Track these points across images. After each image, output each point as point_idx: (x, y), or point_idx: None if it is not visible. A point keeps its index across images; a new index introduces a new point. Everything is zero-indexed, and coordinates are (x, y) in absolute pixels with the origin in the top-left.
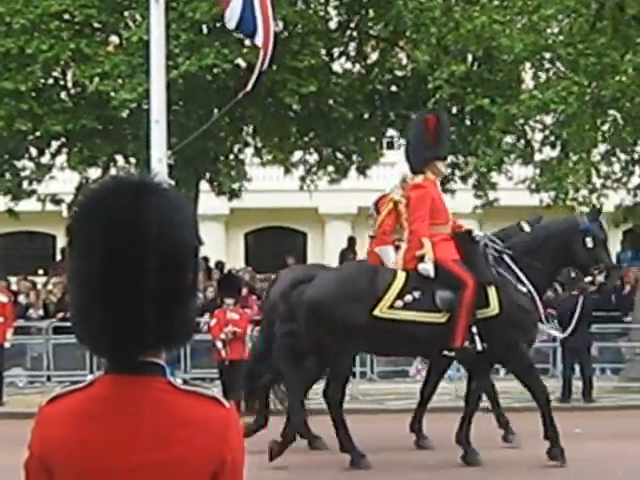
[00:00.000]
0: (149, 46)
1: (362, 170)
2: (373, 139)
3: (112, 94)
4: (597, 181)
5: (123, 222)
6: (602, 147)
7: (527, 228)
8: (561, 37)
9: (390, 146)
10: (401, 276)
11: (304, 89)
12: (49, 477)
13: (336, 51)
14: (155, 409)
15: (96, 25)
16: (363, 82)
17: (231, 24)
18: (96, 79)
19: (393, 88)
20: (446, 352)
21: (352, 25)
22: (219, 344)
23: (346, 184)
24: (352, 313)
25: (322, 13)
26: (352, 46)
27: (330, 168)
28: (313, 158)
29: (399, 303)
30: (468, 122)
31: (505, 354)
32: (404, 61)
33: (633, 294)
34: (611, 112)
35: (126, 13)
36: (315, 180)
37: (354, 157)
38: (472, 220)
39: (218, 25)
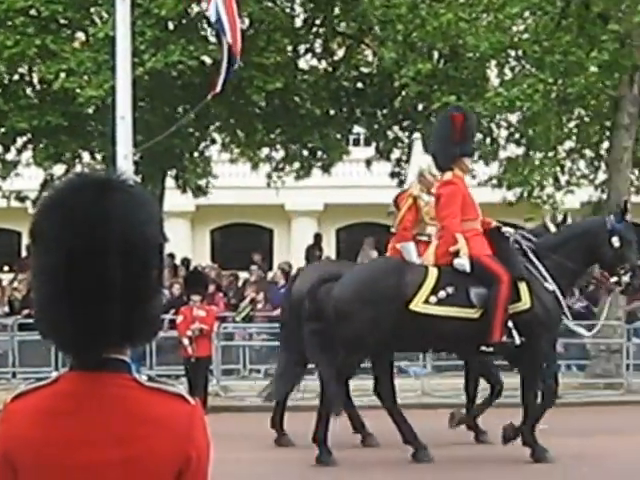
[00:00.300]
0: (115, 43)
1: (327, 167)
2: (339, 136)
3: (78, 91)
4: (562, 178)
5: (88, 219)
6: (567, 144)
7: (553, 227)
8: (527, 35)
9: (356, 143)
10: (433, 272)
11: (270, 86)
12: (14, 475)
13: (302, 48)
14: (119, 406)
15: (62, 21)
16: (329, 79)
17: (212, 16)
18: (62, 75)
19: (359, 85)
20: (484, 347)
21: (318, 22)
22: (185, 341)
23: (312, 181)
24: (380, 310)
25: (288, 10)
26: (318, 43)
27: (296, 165)
28: (279, 155)
29: (433, 299)
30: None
31: (527, 349)
32: (370, 58)
33: (597, 291)
34: (577, 110)
35: (92, 10)
36: (282, 177)
37: (320, 154)
38: None
39: (184, 22)
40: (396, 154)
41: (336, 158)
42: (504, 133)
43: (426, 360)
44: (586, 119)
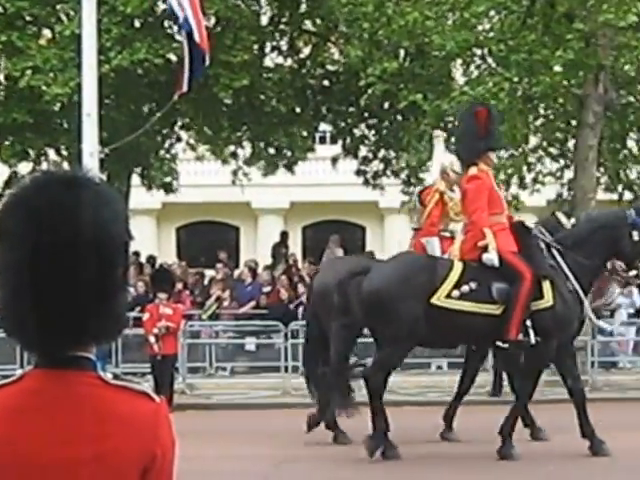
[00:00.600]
0: (81, 40)
1: (293, 165)
2: (305, 134)
3: (44, 88)
4: (528, 177)
5: (53, 216)
6: (533, 142)
7: (564, 219)
8: (492, 33)
9: (322, 141)
10: (458, 266)
11: (236, 83)
12: None
13: (268, 46)
14: (85, 404)
15: (28, 18)
16: (295, 77)
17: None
18: (28, 73)
19: (325, 83)
20: (500, 344)
21: (284, 20)
22: (152, 339)
23: (279, 179)
24: (411, 305)
25: (254, 8)
26: (284, 41)
27: (262, 162)
28: (245, 152)
29: (456, 293)
30: (400, 117)
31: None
32: (336, 56)
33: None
34: (542, 108)
35: (58, 7)
36: (247, 175)
37: (286, 151)
38: (403, 215)
39: (150, 20)
40: (362, 152)
41: (302, 156)
42: None
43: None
44: (551, 117)
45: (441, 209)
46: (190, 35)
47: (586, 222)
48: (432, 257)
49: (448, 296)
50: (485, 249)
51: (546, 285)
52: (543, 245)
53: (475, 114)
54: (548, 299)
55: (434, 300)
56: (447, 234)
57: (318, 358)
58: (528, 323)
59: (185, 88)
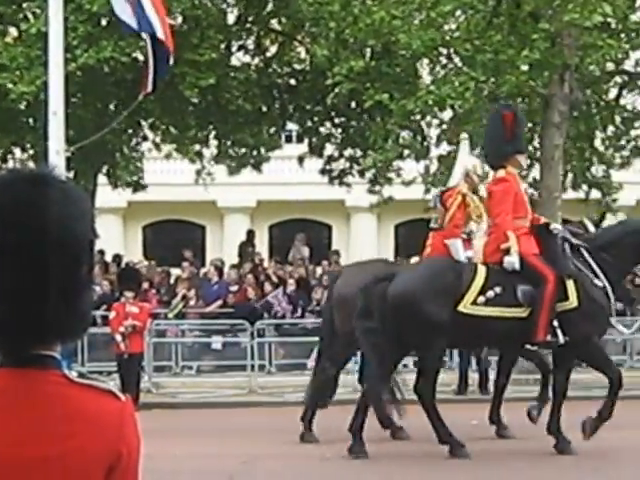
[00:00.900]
0: (47, 38)
1: (258, 164)
2: (272, 132)
3: (10, 86)
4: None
5: (20, 214)
6: None
7: (590, 226)
8: (458, 33)
9: (289, 140)
10: (482, 271)
11: (203, 82)
12: None
13: (235, 44)
14: (50, 402)
15: None
16: (262, 75)
17: (133, 23)
18: None
19: (292, 82)
20: (529, 346)
21: (251, 19)
22: (118, 337)
23: (245, 177)
24: (438, 310)
25: (221, 6)
26: (251, 40)
27: (228, 161)
28: (211, 151)
29: (481, 299)
30: (366, 117)
31: (581, 347)
32: (303, 55)
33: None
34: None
35: (24, 5)
36: (212, 173)
37: (252, 150)
38: (368, 213)
39: (115, 18)
40: (328, 151)
41: (267, 156)
42: (436, 131)
43: (357, 356)
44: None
45: (463, 211)
46: (153, 35)
47: (617, 226)
48: (457, 261)
49: (474, 303)
50: (507, 252)
51: (570, 286)
52: (568, 246)
53: (502, 117)
54: (573, 300)
55: (460, 308)
56: (464, 235)
57: (325, 355)
58: (555, 324)
59: (150, 88)
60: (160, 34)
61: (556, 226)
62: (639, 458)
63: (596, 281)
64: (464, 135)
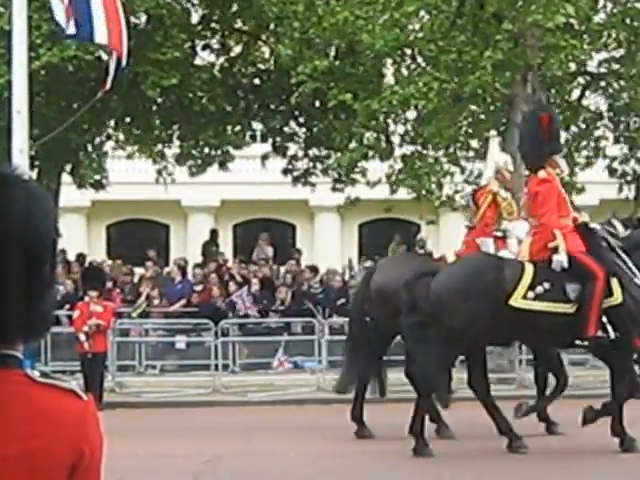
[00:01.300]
0: (11, 36)
1: (223, 163)
2: (236, 131)
3: None
4: (461, 177)
5: None
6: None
7: (619, 226)
8: (422, 33)
9: (253, 139)
10: (529, 268)
11: (166, 82)
12: None
13: (199, 44)
14: (11, 402)
15: None
16: (226, 75)
17: (71, 30)
18: None
19: (256, 81)
20: (578, 341)
21: (215, 18)
22: (82, 337)
23: (209, 177)
24: (480, 305)
25: (185, 5)
26: (215, 39)
27: (191, 161)
28: (174, 151)
29: (531, 294)
30: (330, 116)
31: (620, 343)
32: (267, 54)
33: None
34: (471, 108)
35: None
36: (173, 173)
37: (216, 150)
38: (332, 213)
39: None
40: (292, 150)
41: (232, 156)
42: (400, 131)
43: (321, 355)
44: (482, 117)
45: (494, 210)
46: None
47: None
48: (500, 258)
49: (524, 297)
50: (555, 250)
51: (614, 282)
52: (608, 245)
53: (539, 119)
54: (617, 296)
55: (511, 302)
56: (499, 234)
57: (359, 353)
58: (604, 319)
59: (108, 86)
60: (100, 39)
61: (595, 225)
62: None
63: (636, 279)
64: (493, 132)
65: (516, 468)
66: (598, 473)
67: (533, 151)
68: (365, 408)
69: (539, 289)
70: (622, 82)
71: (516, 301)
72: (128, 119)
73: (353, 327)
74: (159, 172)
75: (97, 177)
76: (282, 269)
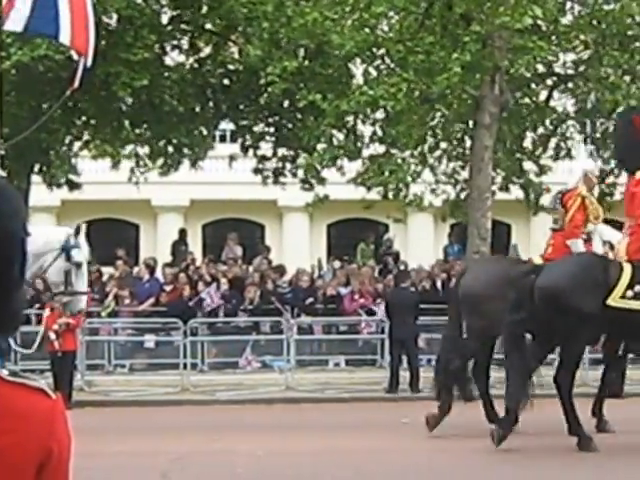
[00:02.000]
0: None
1: (193, 163)
2: (205, 132)
3: None
4: (429, 177)
5: None
6: (431, 143)
7: None
8: (391, 34)
9: (222, 139)
10: (628, 268)
11: (137, 82)
12: None
13: (169, 44)
14: None
15: None
16: (195, 75)
17: (17, 26)
18: None
19: (226, 81)
20: None
21: (185, 19)
22: (52, 335)
23: (179, 177)
24: (586, 302)
25: (155, 6)
26: (185, 40)
27: (161, 161)
28: (144, 151)
29: (629, 293)
30: (300, 116)
31: None
32: (236, 55)
33: (459, 287)
34: (439, 108)
35: None
36: (145, 172)
37: (186, 150)
38: (301, 213)
39: None
40: (262, 150)
41: (202, 154)
42: (368, 131)
43: (290, 355)
44: (450, 117)
45: (583, 213)
46: (55, 36)
47: None
48: (603, 257)
49: (622, 297)
50: None
51: None
52: None
53: (633, 122)
54: None
55: (610, 301)
56: (584, 237)
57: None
58: None
59: (76, 84)
60: (64, 39)
61: None
62: None
63: None
64: (579, 137)
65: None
66: None
67: (630, 153)
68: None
69: (638, 288)
70: (589, 84)
71: (614, 300)
72: (97, 119)
73: (448, 327)
74: (132, 171)
75: (70, 176)
76: (251, 268)
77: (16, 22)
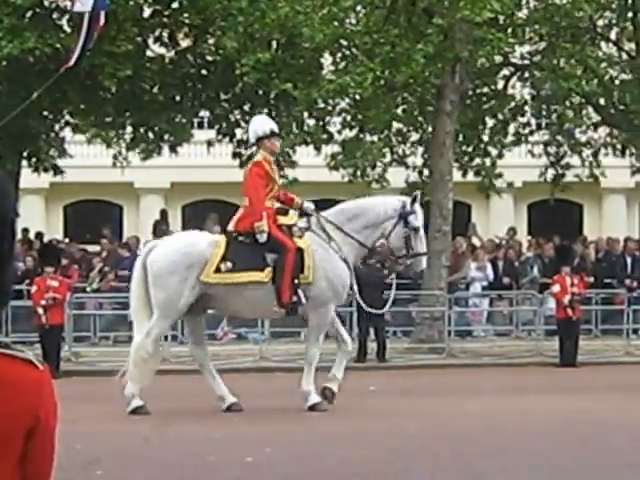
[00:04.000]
0: None
1: (173, 148)
2: (185, 120)
3: None
4: (389, 158)
5: None
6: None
7: None
8: (358, 27)
9: (201, 126)
10: None
11: (121, 73)
12: None
13: (150, 37)
14: None
15: None
16: (175, 66)
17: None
18: None
19: (204, 72)
20: None
21: (166, 13)
22: (40, 310)
23: (160, 160)
24: None
25: (138, 1)
26: (165, 33)
27: (142, 146)
28: (127, 136)
29: None
30: (273, 104)
31: None
32: (213, 47)
33: None
34: (404, 96)
35: None
36: (128, 157)
37: (166, 136)
38: None
39: (39, 11)
40: (238, 136)
41: (182, 140)
42: (338, 118)
43: (264, 327)
44: (412, 105)
45: None
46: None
47: None
48: None
49: None
50: None
51: None
52: None
53: None
54: None
55: None
56: None
57: None
58: None
59: (72, 62)
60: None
61: None
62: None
63: None
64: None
65: None
66: None
67: None
68: None
69: None
70: (544, 73)
71: None
72: (83, 107)
73: None
74: (115, 157)
75: (58, 162)
76: None
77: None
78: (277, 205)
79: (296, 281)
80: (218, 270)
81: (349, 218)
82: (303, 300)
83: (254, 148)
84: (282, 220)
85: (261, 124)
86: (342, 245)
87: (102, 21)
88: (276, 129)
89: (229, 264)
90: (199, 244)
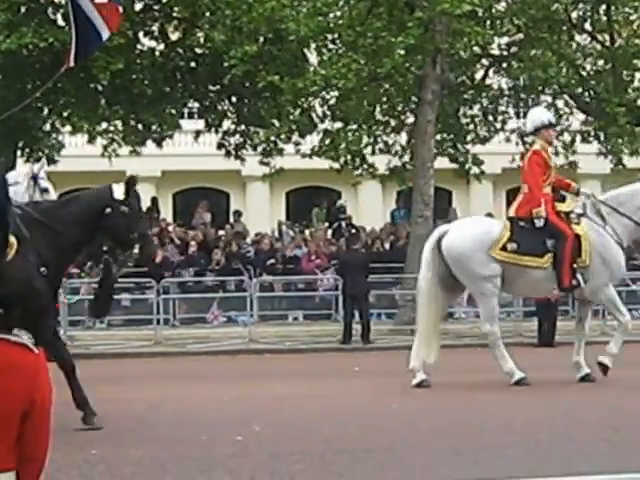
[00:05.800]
0: None
1: (161, 140)
2: (174, 111)
3: None
4: (375, 147)
5: None
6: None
7: None
8: (342, 20)
9: (190, 116)
10: None
11: (113, 66)
12: None
13: (141, 31)
14: None
15: None
16: (165, 59)
17: (72, 61)
18: None
19: (192, 64)
20: None
21: (156, 7)
22: None
23: (150, 149)
24: None
25: None
26: (155, 26)
27: (132, 137)
28: (118, 127)
29: None
30: (259, 96)
31: None
32: (202, 40)
33: (405, 247)
34: (386, 86)
35: None
36: (117, 148)
37: (155, 127)
38: (262, 182)
39: (34, 6)
40: (224, 127)
41: (169, 132)
42: (322, 108)
43: (253, 310)
44: (394, 95)
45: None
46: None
47: None
48: None
49: None
50: None
51: None
52: None
53: None
54: None
55: None
56: None
57: None
58: None
59: (72, 63)
60: (105, 36)
61: None
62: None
63: None
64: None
65: None
66: None
67: None
68: None
69: None
70: (522, 64)
71: None
72: (76, 99)
73: None
74: (104, 148)
75: (49, 153)
76: (221, 232)
77: (71, 59)
78: (556, 192)
79: (574, 265)
80: (504, 249)
81: (623, 201)
82: (582, 283)
83: (237, 137)
84: (560, 207)
85: (540, 115)
86: (617, 227)
87: (119, 17)
88: (553, 120)
89: (514, 245)
90: (494, 231)
